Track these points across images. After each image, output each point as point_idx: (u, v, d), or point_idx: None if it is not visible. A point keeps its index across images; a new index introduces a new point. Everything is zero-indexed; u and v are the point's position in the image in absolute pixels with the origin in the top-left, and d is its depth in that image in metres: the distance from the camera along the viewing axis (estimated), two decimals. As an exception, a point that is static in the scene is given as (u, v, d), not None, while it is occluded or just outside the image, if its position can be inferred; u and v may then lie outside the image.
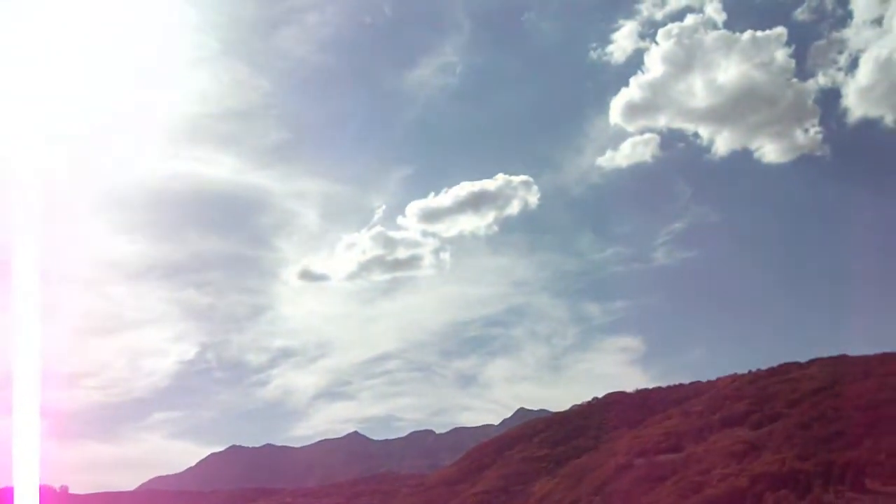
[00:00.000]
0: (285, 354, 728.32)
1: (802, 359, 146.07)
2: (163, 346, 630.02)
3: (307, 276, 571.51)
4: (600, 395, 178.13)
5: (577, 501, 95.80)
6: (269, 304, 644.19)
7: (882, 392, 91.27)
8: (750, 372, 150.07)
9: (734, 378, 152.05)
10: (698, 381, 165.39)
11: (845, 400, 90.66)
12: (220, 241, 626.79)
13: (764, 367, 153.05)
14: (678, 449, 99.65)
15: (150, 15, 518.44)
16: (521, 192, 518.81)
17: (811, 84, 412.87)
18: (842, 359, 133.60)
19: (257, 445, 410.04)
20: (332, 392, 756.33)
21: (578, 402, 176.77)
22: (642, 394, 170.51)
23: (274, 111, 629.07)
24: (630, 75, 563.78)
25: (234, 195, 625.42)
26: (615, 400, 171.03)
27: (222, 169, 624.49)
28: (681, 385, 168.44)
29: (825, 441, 79.40)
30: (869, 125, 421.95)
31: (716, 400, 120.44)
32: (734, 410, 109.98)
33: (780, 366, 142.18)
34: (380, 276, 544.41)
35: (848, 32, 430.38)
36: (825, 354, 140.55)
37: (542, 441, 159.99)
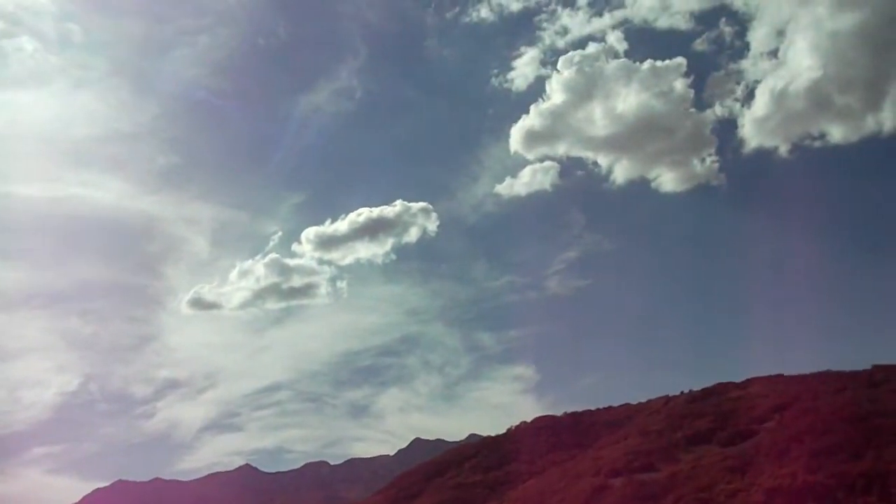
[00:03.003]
0: (172, 385, 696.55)
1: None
2: (43, 376, 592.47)
3: (198, 304, 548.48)
4: (528, 419, 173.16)
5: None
6: (156, 334, 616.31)
7: (861, 406, 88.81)
8: (682, 393, 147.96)
9: (667, 399, 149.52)
10: (628, 403, 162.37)
11: (827, 414, 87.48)
12: (105, 268, 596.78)
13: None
14: (653, 468, 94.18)
15: (33, 30, 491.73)
16: (420, 219, 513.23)
17: (709, 114, 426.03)
18: (779, 378, 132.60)
19: (145, 480, 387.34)
20: (221, 424, 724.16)
21: (508, 428, 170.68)
22: (573, 417, 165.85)
23: (163, 134, 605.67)
24: (531, 103, 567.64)
25: (121, 221, 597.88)
26: (544, 424, 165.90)
27: (108, 193, 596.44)
28: (610, 407, 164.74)
29: (827, 454, 75.36)
30: (764, 155, 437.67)
31: (671, 419, 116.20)
32: (697, 428, 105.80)
33: (716, 385, 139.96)
34: (275, 305, 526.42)
35: (745, 64, 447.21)
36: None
37: (474, 467, 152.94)
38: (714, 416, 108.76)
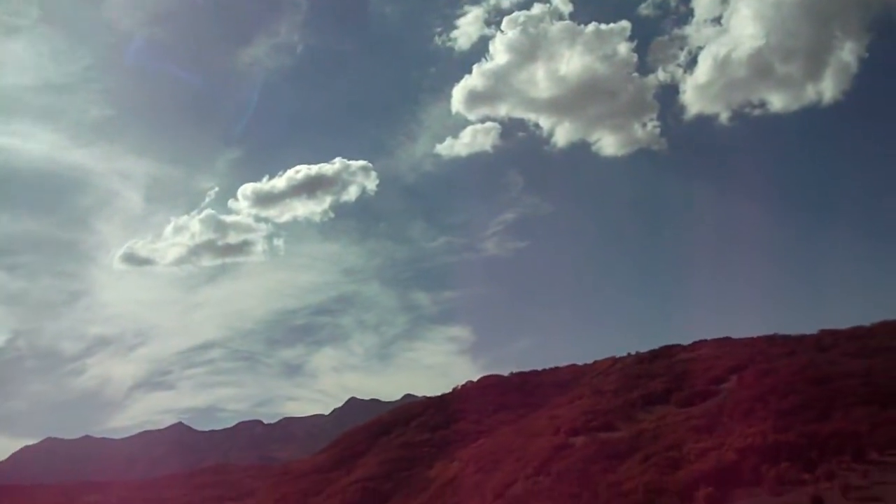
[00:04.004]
0: (102, 342, 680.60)
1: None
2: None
3: (131, 260, 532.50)
4: (464, 380, 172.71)
5: (513, 483, 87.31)
6: (86, 290, 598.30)
7: (820, 368, 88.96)
8: (630, 354, 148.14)
9: (614, 360, 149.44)
10: (574, 364, 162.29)
11: (787, 375, 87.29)
12: (35, 222, 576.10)
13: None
14: (613, 428, 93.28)
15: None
16: (359, 177, 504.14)
17: (651, 79, 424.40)
18: (727, 341, 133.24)
19: (74, 437, 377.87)
20: (152, 382, 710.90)
21: (456, 386, 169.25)
22: (519, 376, 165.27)
23: (96, 85, 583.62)
24: (474, 62, 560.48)
25: (52, 173, 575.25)
26: (491, 383, 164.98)
27: (39, 145, 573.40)
28: (557, 368, 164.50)
29: (793, 414, 74.90)
30: (704, 122, 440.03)
31: (624, 379, 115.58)
32: (653, 388, 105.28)
33: (664, 347, 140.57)
34: (210, 262, 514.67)
35: (689, 30, 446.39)
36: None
37: (421, 426, 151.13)
38: (669, 377, 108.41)
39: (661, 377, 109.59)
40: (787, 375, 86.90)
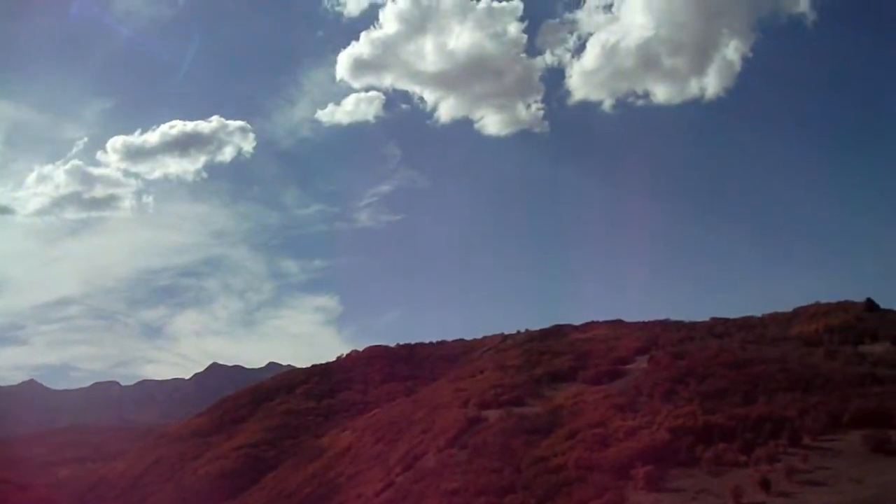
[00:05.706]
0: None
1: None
2: None
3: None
4: (360, 349, 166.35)
5: (423, 455, 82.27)
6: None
7: (734, 354, 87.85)
8: (520, 332, 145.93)
9: (504, 336, 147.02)
10: (462, 339, 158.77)
11: (703, 359, 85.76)
12: None
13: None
14: (524, 403, 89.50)
15: None
16: (236, 137, 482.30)
17: (539, 61, 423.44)
18: (619, 323, 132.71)
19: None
20: (3, 336, 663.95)
21: (342, 355, 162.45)
22: (406, 348, 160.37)
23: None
24: (362, 29, 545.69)
25: None
26: (377, 354, 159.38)
27: None
28: (444, 342, 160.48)
29: (718, 397, 72.91)
30: (588, 107, 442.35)
31: (528, 355, 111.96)
32: (558, 366, 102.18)
33: (554, 326, 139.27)
34: (74, 215, 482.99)
35: (580, 14, 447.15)
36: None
37: (306, 393, 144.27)
38: (573, 356, 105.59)
39: (564, 355, 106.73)
40: (702, 359, 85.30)
